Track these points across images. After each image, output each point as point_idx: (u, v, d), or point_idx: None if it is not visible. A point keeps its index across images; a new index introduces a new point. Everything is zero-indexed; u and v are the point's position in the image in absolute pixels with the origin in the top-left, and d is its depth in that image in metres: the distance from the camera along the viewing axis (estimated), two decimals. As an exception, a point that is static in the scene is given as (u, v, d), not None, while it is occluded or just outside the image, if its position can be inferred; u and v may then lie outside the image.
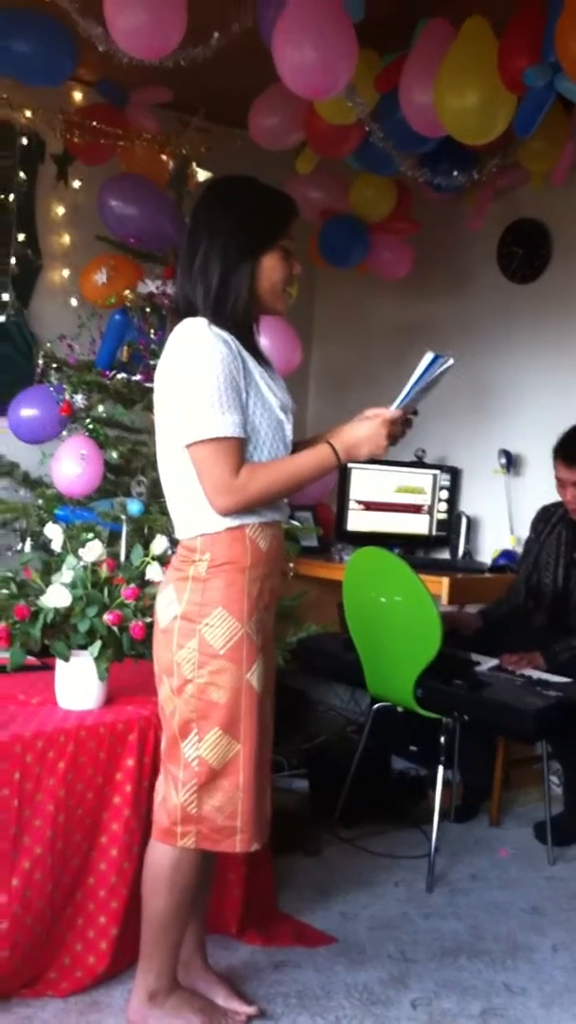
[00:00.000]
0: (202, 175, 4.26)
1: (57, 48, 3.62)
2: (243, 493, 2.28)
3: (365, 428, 2.35)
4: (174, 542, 2.47)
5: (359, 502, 4.98)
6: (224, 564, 2.33)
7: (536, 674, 3.72)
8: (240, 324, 2.34)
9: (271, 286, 2.38)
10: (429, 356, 2.31)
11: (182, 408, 2.28)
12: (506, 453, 4.87)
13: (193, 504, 2.33)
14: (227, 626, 2.33)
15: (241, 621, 2.34)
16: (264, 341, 2.54)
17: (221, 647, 2.33)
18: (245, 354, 2.33)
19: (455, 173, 4.01)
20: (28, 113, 4.15)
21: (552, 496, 4.08)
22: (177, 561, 2.40)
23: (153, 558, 2.81)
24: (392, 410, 2.36)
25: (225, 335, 2.28)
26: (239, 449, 2.28)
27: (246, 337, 2.36)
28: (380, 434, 2.34)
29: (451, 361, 2.33)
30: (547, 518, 4.15)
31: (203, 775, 2.35)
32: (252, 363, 2.34)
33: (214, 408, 2.24)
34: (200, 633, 2.33)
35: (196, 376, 2.25)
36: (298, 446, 2.44)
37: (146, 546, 2.85)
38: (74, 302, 4.48)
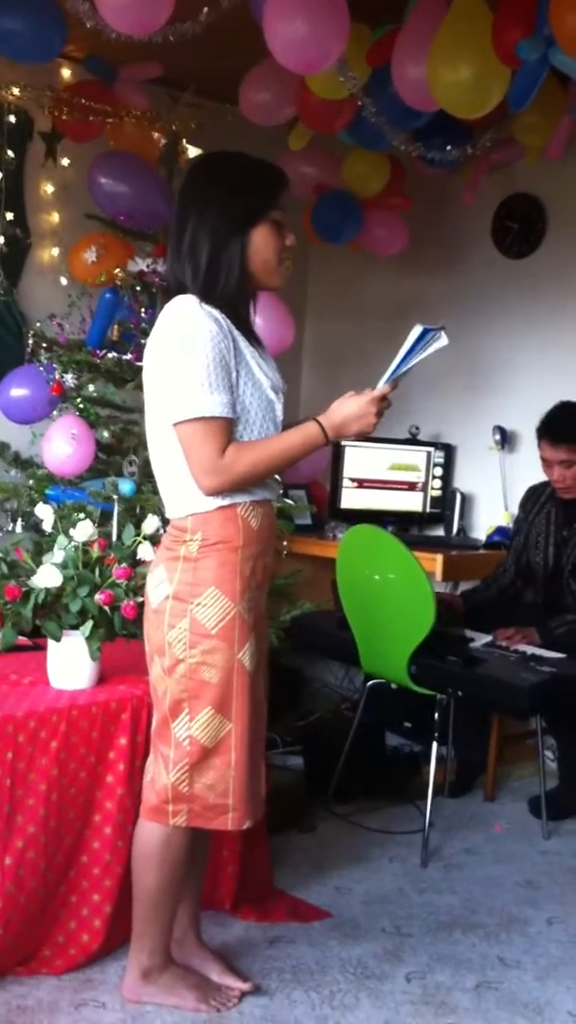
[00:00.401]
0: (193, 152, 4.22)
1: (46, 24, 3.58)
2: (229, 473, 2.27)
3: (353, 405, 2.33)
4: (166, 522, 2.47)
5: (352, 480, 4.97)
6: (216, 543, 2.32)
7: (530, 649, 3.73)
8: (232, 302, 2.32)
9: (263, 260, 2.35)
10: (418, 330, 2.29)
11: (170, 387, 2.27)
12: (500, 430, 4.86)
13: (183, 483, 2.32)
14: (219, 605, 2.32)
15: (234, 600, 2.33)
16: (257, 320, 2.52)
17: (213, 627, 2.32)
18: (236, 333, 2.31)
19: (449, 148, 3.99)
20: (15, 90, 4.10)
21: (545, 477, 4.07)
22: (168, 541, 2.39)
23: (145, 538, 2.80)
24: (380, 387, 2.34)
25: (216, 313, 2.27)
26: (226, 429, 2.27)
27: (238, 315, 2.34)
28: (369, 412, 2.33)
29: (443, 339, 2.30)
30: (535, 498, 4.15)
31: (195, 754, 2.36)
32: (243, 342, 2.33)
33: (202, 387, 2.22)
34: (192, 613, 2.32)
35: (185, 355, 2.23)
36: (289, 427, 2.42)
37: (138, 526, 2.84)
38: (64, 281, 4.46)
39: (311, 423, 2.34)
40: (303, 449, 2.34)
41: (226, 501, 2.32)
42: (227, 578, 2.33)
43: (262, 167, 2.40)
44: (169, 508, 2.40)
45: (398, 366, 2.32)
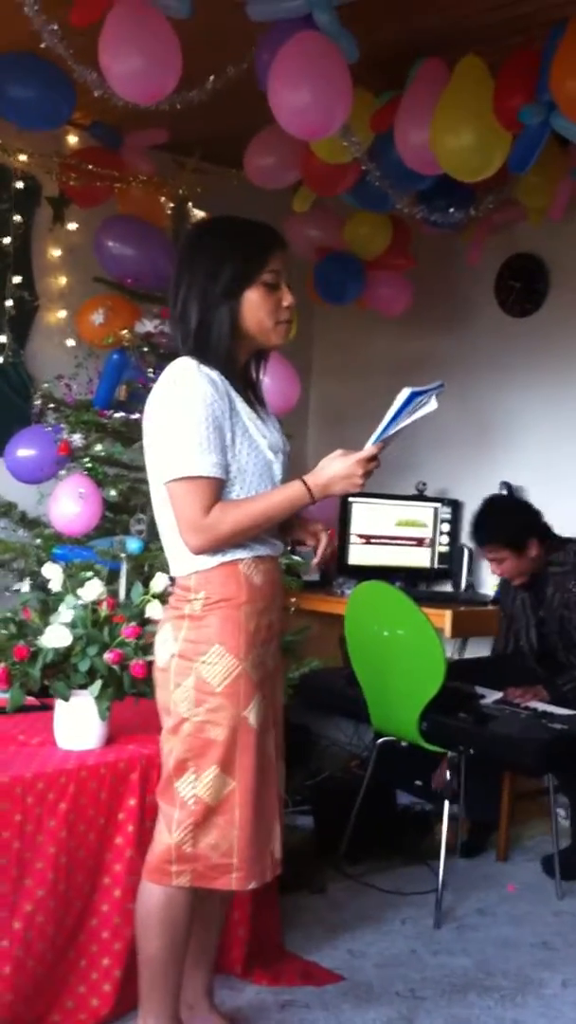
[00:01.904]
0: (199, 215, 4.29)
1: (55, 92, 3.66)
2: (213, 532, 2.28)
3: (340, 466, 2.33)
4: (173, 580, 2.47)
5: (360, 536, 4.98)
6: (219, 601, 2.33)
7: (541, 706, 3.71)
8: (226, 364, 2.34)
9: (258, 322, 2.37)
10: (405, 393, 2.30)
11: (164, 446, 2.30)
12: (507, 485, 4.87)
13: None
14: (225, 663, 2.32)
15: (239, 658, 2.33)
16: (264, 379, 2.55)
17: (218, 684, 2.32)
18: (233, 394, 2.33)
19: (452, 210, 4.05)
20: (23, 157, 4.18)
21: (557, 527, 4.08)
22: (173, 600, 2.40)
23: (153, 596, 2.80)
24: (367, 448, 2.34)
25: (213, 375, 2.29)
26: (214, 489, 2.28)
27: (234, 376, 2.36)
28: (355, 472, 2.33)
29: (433, 403, 2.32)
30: (506, 588, 4.19)
31: (199, 813, 2.34)
32: (240, 403, 2.35)
33: (193, 447, 2.25)
34: (197, 671, 2.32)
35: (179, 415, 2.26)
36: None
37: (146, 584, 2.85)
38: (71, 343, 4.51)
39: (297, 482, 2.34)
40: (288, 508, 2.34)
41: (227, 558, 2.33)
42: (231, 635, 2.33)
43: (252, 230, 2.41)
44: (173, 567, 2.41)
45: (385, 428, 2.33)
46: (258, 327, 2.37)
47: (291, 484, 2.35)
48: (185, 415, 2.25)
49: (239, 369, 2.41)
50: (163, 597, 2.79)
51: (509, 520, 3.98)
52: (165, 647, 2.38)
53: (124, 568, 3.30)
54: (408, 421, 2.33)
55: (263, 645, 2.39)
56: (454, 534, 5.11)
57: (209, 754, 2.32)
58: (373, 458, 2.34)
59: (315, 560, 2.58)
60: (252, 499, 2.33)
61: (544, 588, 3.99)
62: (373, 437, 2.35)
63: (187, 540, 2.30)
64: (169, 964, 2.41)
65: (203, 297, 2.33)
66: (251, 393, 2.46)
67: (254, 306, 2.35)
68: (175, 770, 2.35)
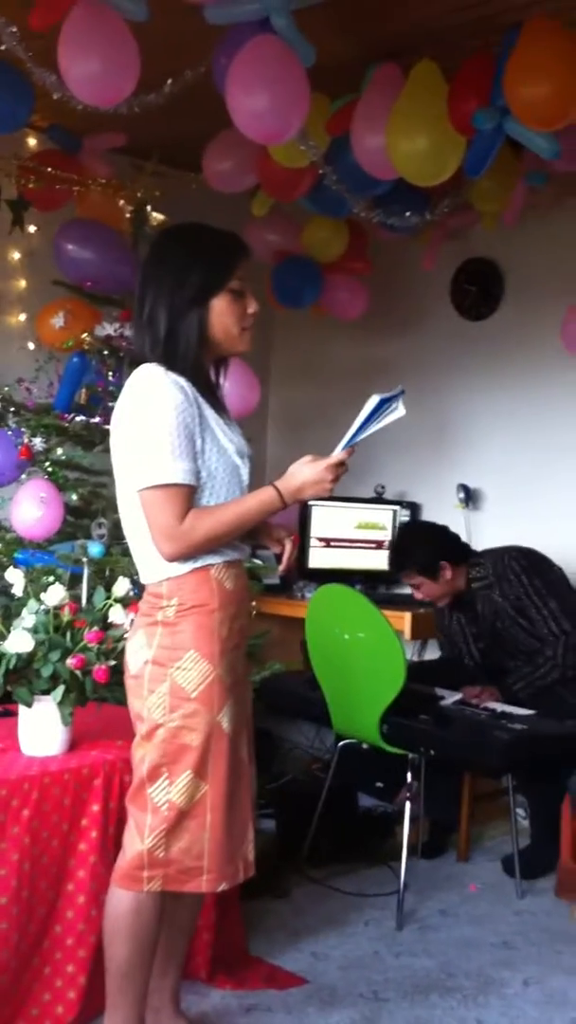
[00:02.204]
0: (158, 219, 4.28)
1: (13, 95, 3.63)
2: (187, 539, 2.29)
3: (309, 471, 2.36)
4: (136, 584, 2.47)
5: (320, 539, 4.99)
6: (193, 607, 2.34)
7: (500, 707, 3.74)
8: (193, 370, 2.35)
9: (224, 329, 2.39)
10: (374, 400, 2.33)
11: (135, 454, 2.30)
12: (465, 488, 4.91)
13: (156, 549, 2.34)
14: (199, 669, 2.33)
15: (213, 663, 2.34)
16: (225, 385, 2.56)
17: (193, 690, 2.33)
18: (201, 400, 2.34)
19: (408, 214, 4.07)
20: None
21: (510, 532, 4.14)
22: (145, 607, 2.40)
23: (116, 600, 2.80)
24: (337, 453, 2.37)
25: (181, 381, 2.30)
26: (187, 496, 2.29)
27: (201, 383, 2.38)
28: (325, 478, 2.36)
29: (401, 410, 2.36)
30: (440, 610, 4.25)
31: (172, 819, 2.34)
32: (208, 409, 2.36)
33: (164, 455, 2.25)
34: (171, 677, 2.33)
35: (149, 422, 2.27)
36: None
37: (108, 588, 2.84)
38: (31, 346, 4.47)
39: (268, 488, 2.37)
40: (260, 513, 2.37)
41: (199, 564, 2.34)
42: (205, 641, 2.34)
43: (219, 239, 2.44)
44: (143, 574, 2.41)
45: (355, 434, 2.37)
46: (224, 334, 2.39)
47: (263, 490, 2.37)
48: (156, 423, 2.26)
49: (204, 375, 2.42)
50: (125, 601, 2.79)
51: (419, 548, 4.09)
52: (139, 654, 2.38)
53: (86, 572, 3.29)
54: (377, 427, 2.36)
55: (235, 650, 2.41)
56: (413, 537, 5.13)
57: (184, 759, 2.33)
58: (342, 463, 2.37)
59: (281, 568, 2.62)
60: (225, 505, 2.35)
61: (474, 605, 4.06)
62: (343, 443, 2.38)
63: (161, 548, 2.30)
64: (136, 969, 2.41)
65: (171, 304, 2.34)
66: (215, 398, 2.47)
67: (221, 313, 2.37)
68: (148, 776, 2.35)
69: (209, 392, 2.43)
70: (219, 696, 2.35)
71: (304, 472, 2.37)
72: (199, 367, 2.38)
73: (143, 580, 2.42)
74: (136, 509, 2.35)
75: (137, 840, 2.36)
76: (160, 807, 2.34)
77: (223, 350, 2.44)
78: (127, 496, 2.38)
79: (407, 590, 5.04)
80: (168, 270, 2.37)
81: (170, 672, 2.33)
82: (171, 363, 2.33)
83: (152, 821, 2.34)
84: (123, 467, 2.38)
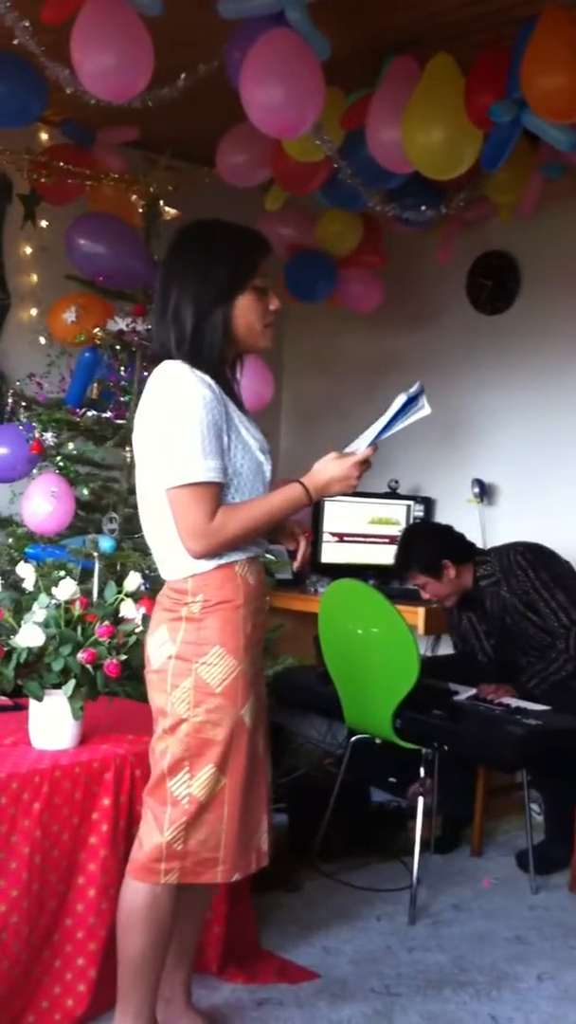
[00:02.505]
0: (171, 213, 4.27)
1: (27, 89, 3.63)
2: (218, 536, 2.30)
3: (336, 468, 2.38)
4: (147, 579, 2.47)
5: (333, 534, 4.98)
6: (219, 604, 2.35)
7: (514, 702, 3.73)
8: (218, 367, 2.36)
9: (247, 326, 2.39)
10: (401, 399, 2.35)
11: (164, 453, 2.30)
12: (479, 482, 4.89)
13: (181, 546, 2.34)
14: (224, 664, 2.34)
15: (238, 659, 2.35)
16: (239, 379, 2.56)
17: (218, 685, 2.34)
18: (225, 398, 2.35)
19: (423, 208, 4.05)
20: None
21: (524, 527, 4.12)
22: (168, 603, 2.40)
23: (127, 595, 2.80)
24: (363, 451, 2.39)
25: (208, 379, 2.31)
26: (217, 494, 2.30)
27: (224, 380, 2.38)
28: (352, 475, 2.38)
29: (426, 408, 2.38)
30: (450, 609, 4.23)
31: (192, 812, 2.34)
32: (232, 406, 2.37)
33: (196, 453, 2.26)
34: (196, 672, 2.33)
35: (179, 421, 2.27)
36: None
37: (119, 583, 2.84)
38: (43, 340, 4.48)
39: (295, 484, 2.38)
40: (289, 510, 2.39)
41: (224, 560, 2.36)
42: (231, 636, 2.35)
43: (244, 235, 2.45)
44: (167, 570, 2.41)
45: (381, 432, 2.39)
46: (248, 331, 2.40)
47: (290, 486, 2.38)
48: (185, 421, 2.26)
49: (226, 372, 2.43)
50: (136, 596, 2.79)
51: (421, 548, 4.09)
52: (162, 649, 2.38)
53: (97, 567, 3.28)
54: (402, 425, 2.39)
55: (256, 645, 2.43)
56: (427, 531, 5.12)
57: (208, 753, 2.34)
58: (367, 461, 2.40)
59: (296, 564, 2.63)
60: (253, 502, 2.36)
61: (483, 603, 4.05)
62: (367, 440, 2.39)
63: (190, 545, 2.31)
64: (150, 962, 2.41)
65: (196, 301, 2.34)
66: (235, 395, 2.48)
67: (245, 310, 2.38)
68: (170, 770, 2.36)
69: (230, 389, 2.43)
70: (243, 691, 2.36)
71: (331, 468, 2.38)
72: (222, 363, 2.39)
73: (165, 576, 2.42)
74: (161, 507, 2.35)
75: (156, 833, 2.36)
76: (181, 800, 2.35)
77: (245, 347, 2.45)
78: (152, 493, 2.38)
79: (420, 585, 5.04)
80: (193, 267, 2.37)
81: (195, 667, 2.33)
82: (196, 360, 2.33)
83: (172, 814, 2.35)
84: (148, 465, 2.38)
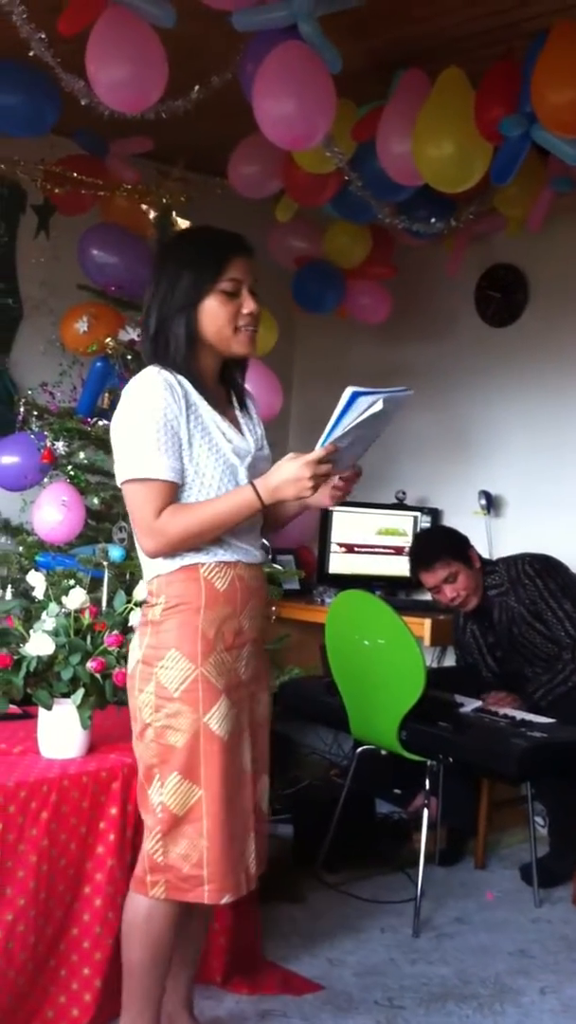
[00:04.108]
0: (183, 224, 4.29)
1: (41, 100, 3.66)
2: (164, 535, 2.29)
3: (287, 470, 2.29)
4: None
5: (340, 544, 4.99)
6: (177, 605, 2.34)
7: (520, 714, 3.73)
8: (187, 370, 2.35)
9: (216, 330, 2.37)
10: (348, 393, 2.23)
11: (119, 448, 2.33)
12: (486, 494, 4.90)
13: None
14: (180, 667, 2.32)
15: (195, 662, 2.32)
16: (247, 387, 2.56)
17: (175, 689, 2.32)
18: (196, 397, 2.33)
19: (433, 220, 4.08)
20: (7, 165, 4.17)
21: (531, 539, 4.12)
22: (144, 607, 2.42)
23: (136, 604, 2.80)
24: (316, 451, 2.29)
25: (172, 380, 2.30)
26: (167, 492, 2.29)
27: (198, 382, 2.36)
28: (303, 475, 2.27)
29: (379, 404, 2.22)
30: (456, 621, 4.24)
31: (166, 822, 2.34)
32: (205, 407, 2.35)
33: (145, 449, 2.26)
34: (156, 676, 2.33)
35: (133, 418, 2.29)
36: None
37: (128, 592, 2.85)
38: (55, 350, 4.50)
39: (246, 487, 2.32)
40: (237, 512, 2.31)
41: (186, 561, 2.34)
42: (187, 639, 2.33)
43: (211, 239, 2.42)
44: (143, 572, 2.43)
45: (331, 430, 2.27)
46: (217, 335, 2.38)
47: (241, 488, 2.33)
48: (138, 418, 2.28)
49: (212, 375, 2.43)
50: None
51: (447, 537, 4.11)
52: (133, 655, 2.41)
53: (107, 576, 3.30)
54: (354, 422, 2.25)
55: (228, 651, 2.38)
56: (434, 543, 5.12)
57: (171, 760, 2.32)
58: (324, 461, 2.28)
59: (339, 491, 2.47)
60: (202, 503, 2.32)
61: (491, 613, 4.05)
62: (321, 440, 2.29)
63: (141, 542, 2.34)
64: (150, 974, 2.41)
65: (160, 308, 2.37)
66: (234, 398, 2.49)
67: (211, 315, 2.36)
68: (145, 777, 2.37)
69: (221, 391, 2.44)
70: (206, 697, 2.32)
71: (283, 470, 2.30)
72: (191, 368, 2.36)
73: (143, 579, 2.44)
74: None
75: (146, 843, 2.38)
76: (155, 808, 2.34)
77: (221, 351, 2.41)
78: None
79: (427, 596, 5.04)
80: (164, 276, 2.39)
81: (155, 671, 2.33)
82: (162, 363, 2.34)
83: (150, 822, 2.36)
84: (115, 463, 2.40)
